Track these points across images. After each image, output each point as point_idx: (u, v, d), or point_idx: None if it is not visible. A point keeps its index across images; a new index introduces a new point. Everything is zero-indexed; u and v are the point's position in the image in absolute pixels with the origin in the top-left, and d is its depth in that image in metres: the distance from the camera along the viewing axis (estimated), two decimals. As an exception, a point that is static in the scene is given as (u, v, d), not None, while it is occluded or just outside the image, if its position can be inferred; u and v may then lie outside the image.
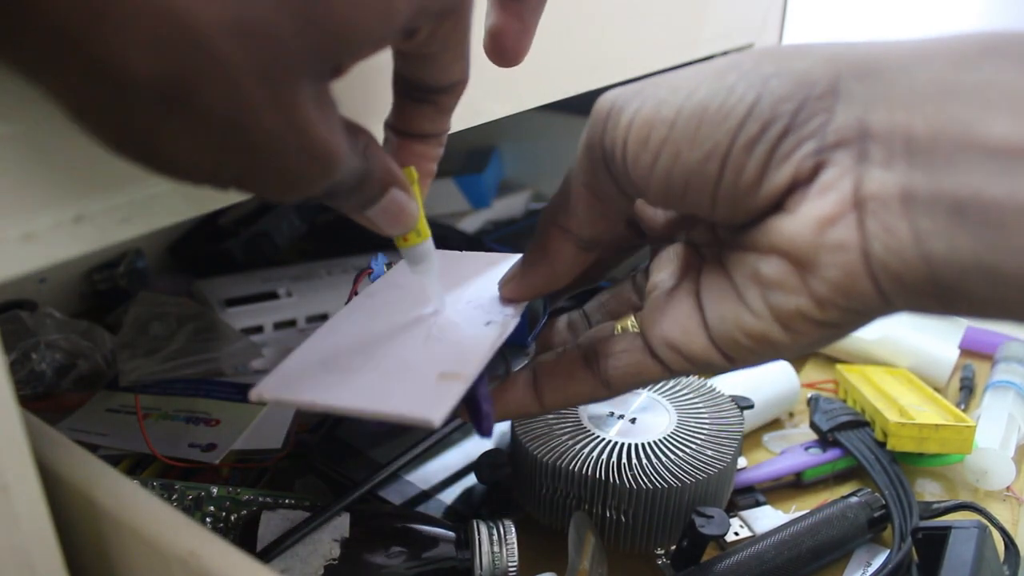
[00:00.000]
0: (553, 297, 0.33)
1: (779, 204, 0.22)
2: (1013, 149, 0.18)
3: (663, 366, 0.26)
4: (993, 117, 0.18)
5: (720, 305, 0.24)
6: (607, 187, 0.25)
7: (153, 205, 0.24)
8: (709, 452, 0.39)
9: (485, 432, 0.27)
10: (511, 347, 0.30)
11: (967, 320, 0.58)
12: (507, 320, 0.28)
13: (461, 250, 0.36)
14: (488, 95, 0.36)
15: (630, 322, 0.29)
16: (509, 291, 0.30)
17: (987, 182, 0.18)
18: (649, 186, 0.24)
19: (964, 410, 0.52)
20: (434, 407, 0.23)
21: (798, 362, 0.58)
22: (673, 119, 0.23)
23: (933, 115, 0.19)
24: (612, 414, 0.42)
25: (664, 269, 0.29)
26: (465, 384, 0.25)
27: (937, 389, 0.54)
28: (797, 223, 0.22)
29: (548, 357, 0.30)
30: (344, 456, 0.43)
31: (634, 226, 0.31)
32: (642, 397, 0.44)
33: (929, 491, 0.47)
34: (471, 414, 0.27)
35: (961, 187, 0.19)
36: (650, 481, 0.37)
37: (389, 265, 0.35)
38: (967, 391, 0.55)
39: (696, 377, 0.46)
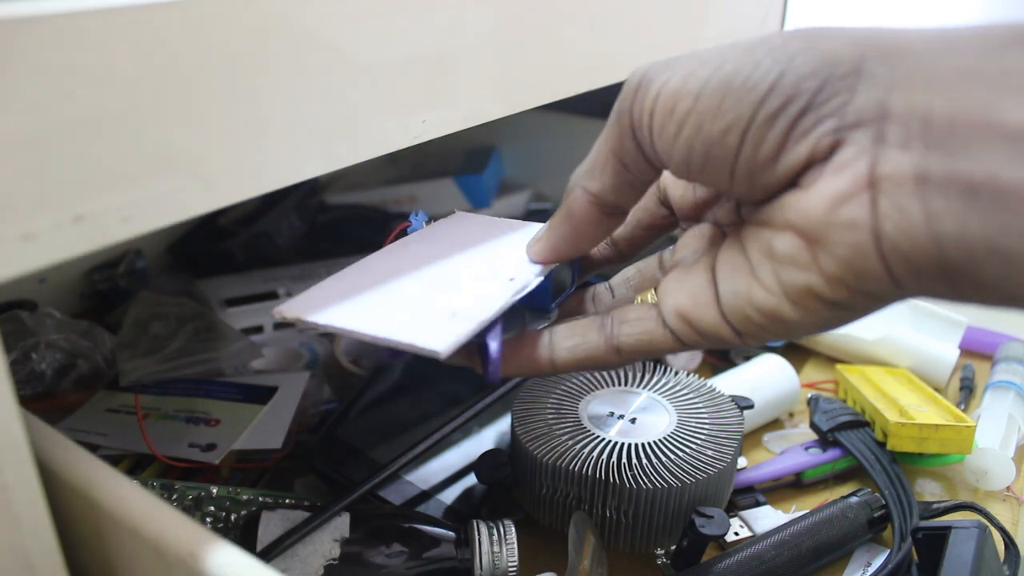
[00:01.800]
0: (583, 269, 0.34)
1: (795, 181, 0.23)
2: None
3: (674, 337, 0.27)
4: (1013, 102, 0.19)
5: (733, 279, 0.25)
6: (633, 155, 0.26)
7: (153, 205, 0.24)
8: (709, 452, 0.39)
9: (491, 377, 0.28)
10: (533, 309, 0.31)
11: (967, 320, 0.58)
12: (529, 279, 0.29)
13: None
14: (488, 95, 0.36)
15: (650, 295, 0.29)
16: (535, 252, 0.30)
17: (1003, 166, 0.18)
18: (672, 157, 0.25)
19: (964, 410, 0.52)
20: (441, 339, 0.25)
21: (798, 362, 0.58)
22: (699, 91, 0.23)
23: (953, 98, 0.19)
24: (612, 414, 0.42)
25: (689, 247, 0.30)
26: (474, 324, 0.26)
27: (937, 389, 0.54)
28: (811, 199, 0.22)
29: (567, 321, 0.31)
30: (344, 456, 0.43)
31: (665, 205, 0.32)
32: (642, 397, 0.44)
33: (929, 491, 0.47)
34: (480, 358, 0.28)
35: (976, 170, 0.19)
36: (650, 481, 0.37)
37: (428, 221, 0.36)
38: (967, 391, 0.55)
39: (696, 377, 0.46)
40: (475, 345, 0.27)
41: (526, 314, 0.31)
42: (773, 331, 0.25)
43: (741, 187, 0.24)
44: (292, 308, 0.28)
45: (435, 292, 0.29)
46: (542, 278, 0.30)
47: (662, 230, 0.33)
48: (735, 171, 0.23)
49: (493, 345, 0.27)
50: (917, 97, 0.20)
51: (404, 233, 0.35)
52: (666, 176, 0.32)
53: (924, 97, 0.20)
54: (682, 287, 0.27)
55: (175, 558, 0.23)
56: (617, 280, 0.34)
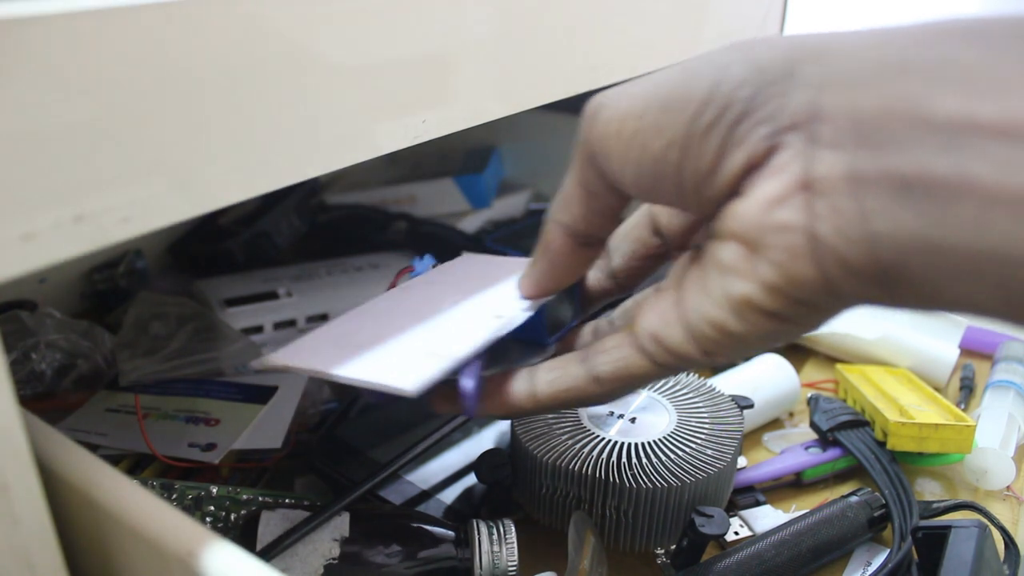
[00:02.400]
0: (585, 303, 0.34)
1: (737, 189, 0.22)
2: (959, 124, 0.18)
3: (650, 361, 0.27)
4: (942, 93, 0.18)
5: (692, 296, 0.25)
6: (597, 183, 0.26)
7: (153, 205, 0.24)
8: (709, 451, 0.39)
9: (468, 413, 0.28)
10: (529, 344, 0.31)
11: (965, 319, 0.58)
12: (516, 315, 0.29)
13: (461, 251, 0.36)
14: (488, 95, 0.36)
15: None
16: (521, 288, 0.31)
17: (933, 158, 0.18)
18: (625, 178, 0.25)
19: (964, 410, 0.53)
20: (411, 378, 0.25)
21: (798, 362, 0.58)
22: (642, 111, 0.23)
23: (882, 93, 0.19)
24: (612, 413, 0.42)
25: (674, 273, 0.29)
26: (448, 363, 0.26)
27: (937, 389, 0.54)
28: (747, 204, 0.22)
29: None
30: (344, 456, 0.43)
31: (658, 234, 0.32)
32: (642, 397, 0.44)
33: (929, 491, 0.47)
34: (458, 394, 0.28)
35: (907, 164, 0.19)
36: (650, 480, 0.37)
37: (435, 265, 0.36)
38: (967, 391, 0.55)
39: (696, 377, 0.46)
40: (451, 380, 0.27)
41: (514, 349, 0.31)
42: (727, 346, 0.24)
43: (691, 202, 0.24)
44: (279, 356, 0.28)
45: (422, 333, 0.29)
46: (530, 313, 0.30)
47: (658, 259, 0.33)
48: (682, 186, 0.23)
49: (467, 383, 0.27)
50: (847, 95, 0.20)
51: (408, 278, 0.35)
52: (656, 205, 0.32)
53: (854, 94, 0.20)
54: (654, 309, 0.26)
55: (175, 558, 0.23)
56: (617, 313, 0.34)
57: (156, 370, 0.47)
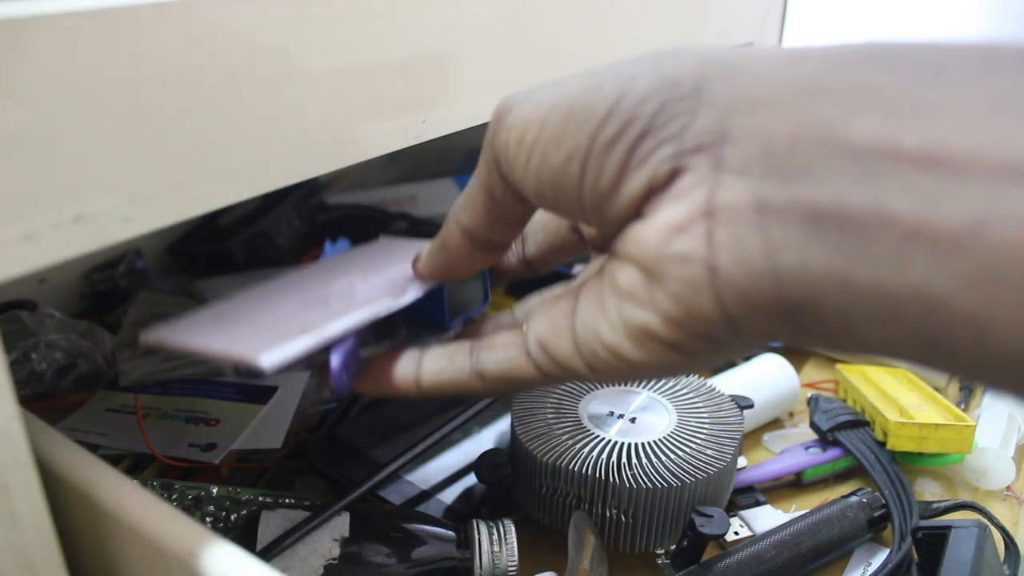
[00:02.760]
0: (493, 282, 0.33)
1: (639, 211, 0.21)
2: (879, 152, 0.16)
3: (535, 366, 0.25)
4: (861, 118, 0.17)
5: (587, 311, 0.23)
6: (500, 188, 0.25)
7: (153, 205, 0.24)
8: (709, 452, 0.39)
9: (335, 391, 0.27)
10: (429, 325, 0.30)
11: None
12: (404, 297, 0.28)
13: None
14: (487, 96, 0.36)
15: None
16: (416, 268, 0.29)
17: (849, 188, 0.17)
18: (526, 187, 0.24)
19: (964, 410, 0.52)
20: (269, 354, 0.24)
21: (798, 362, 0.58)
22: (544, 118, 0.22)
23: (796, 116, 0.18)
24: (612, 413, 0.42)
25: (584, 275, 0.28)
26: (314, 339, 0.25)
27: (937, 389, 0.54)
28: (648, 230, 0.20)
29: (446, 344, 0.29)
30: (344, 456, 0.43)
31: (577, 231, 0.31)
32: (642, 397, 0.44)
33: (929, 491, 0.47)
34: (331, 374, 0.27)
35: (819, 195, 0.17)
36: (650, 481, 0.37)
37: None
38: (967, 391, 0.55)
39: (696, 377, 0.46)
40: (323, 359, 0.26)
41: (413, 330, 0.30)
42: (619, 369, 0.23)
43: (592, 219, 0.22)
44: (155, 333, 0.27)
45: (304, 311, 0.28)
46: (417, 295, 0.29)
47: (572, 254, 0.32)
48: (583, 202, 0.22)
49: (334, 359, 0.26)
50: (758, 117, 0.18)
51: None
52: None
53: (765, 116, 0.18)
54: (547, 313, 0.25)
55: (175, 558, 0.23)
56: (519, 310, 0.32)
57: (156, 370, 0.47)
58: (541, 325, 0.25)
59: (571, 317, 0.24)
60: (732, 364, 0.55)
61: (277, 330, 0.26)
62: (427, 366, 0.28)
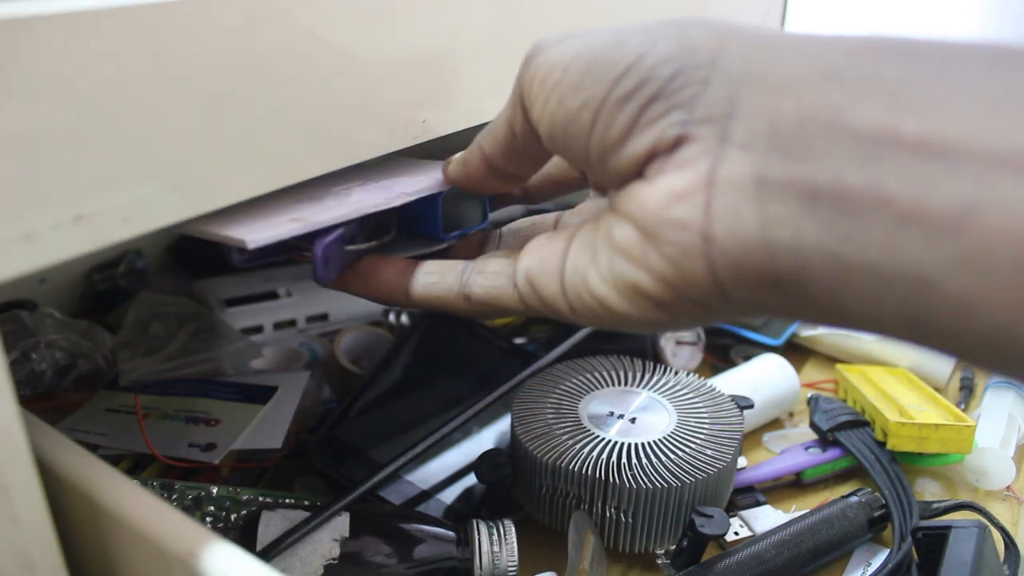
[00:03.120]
0: (493, 206, 0.34)
1: (641, 171, 0.22)
2: (880, 137, 0.17)
3: (520, 298, 0.26)
4: (865, 104, 0.18)
5: (578, 256, 0.24)
6: (522, 125, 0.26)
7: (153, 205, 0.24)
8: (709, 452, 0.39)
9: (318, 277, 0.28)
10: (425, 238, 0.32)
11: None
12: (398, 196, 0.30)
13: None
14: (488, 94, 0.36)
15: None
16: (446, 169, 0.31)
17: (847, 169, 0.17)
18: (541, 128, 0.25)
19: (964, 410, 0.53)
20: (256, 235, 0.26)
21: (798, 362, 0.58)
22: (567, 64, 0.23)
23: (805, 99, 0.19)
24: (612, 414, 0.42)
25: (579, 215, 0.30)
26: (301, 226, 0.27)
27: (937, 389, 0.54)
28: (649, 193, 0.21)
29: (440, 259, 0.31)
30: (344, 456, 0.43)
31: (581, 171, 0.32)
32: (642, 397, 0.44)
33: (929, 491, 0.47)
34: (315, 258, 0.28)
35: (818, 173, 0.18)
36: (650, 481, 0.37)
37: None
38: (967, 391, 0.55)
39: (696, 377, 0.46)
40: (312, 246, 0.28)
41: (407, 238, 0.32)
42: (603, 318, 0.24)
43: (596, 169, 0.23)
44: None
45: (298, 205, 0.29)
46: (410, 199, 0.30)
47: (571, 188, 0.33)
48: (588, 151, 0.23)
49: (318, 245, 0.27)
50: (768, 96, 0.19)
51: None
52: None
53: (775, 97, 0.19)
54: (540, 251, 0.26)
55: (175, 558, 0.23)
56: (509, 229, 0.34)
57: (156, 370, 0.47)
58: (532, 261, 0.26)
59: (562, 259, 0.25)
60: (732, 364, 0.55)
61: (269, 219, 0.28)
62: (418, 278, 0.29)
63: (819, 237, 0.18)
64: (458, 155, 0.30)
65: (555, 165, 0.33)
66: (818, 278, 0.18)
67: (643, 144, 0.21)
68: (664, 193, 0.21)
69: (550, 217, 0.33)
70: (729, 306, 0.21)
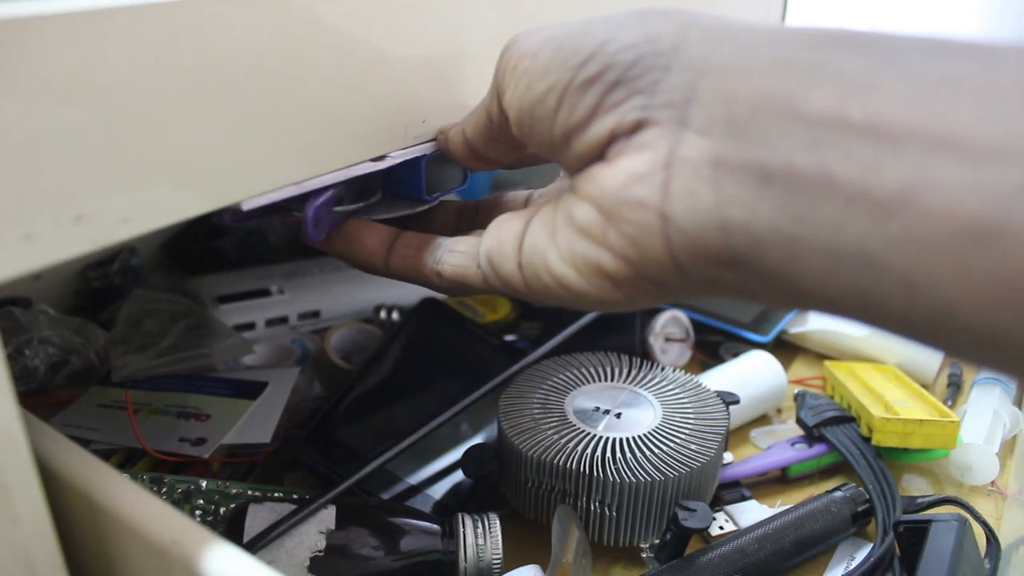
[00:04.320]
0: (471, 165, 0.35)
1: (602, 154, 0.23)
2: (829, 122, 0.18)
3: (483, 278, 0.27)
4: (817, 91, 0.18)
5: (537, 235, 0.25)
6: (496, 113, 0.27)
7: (154, 204, 0.24)
8: (693, 446, 0.40)
9: (307, 236, 0.30)
10: (409, 200, 0.34)
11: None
12: (383, 161, 0.31)
13: None
14: (483, 93, 0.36)
15: None
16: (438, 135, 0.33)
17: (798, 152, 0.18)
18: (511, 113, 0.26)
19: (951, 406, 0.53)
20: (250, 198, 0.27)
21: (787, 359, 0.59)
22: (536, 51, 0.24)
23: (760, 86, 0.19)
24: (598, 409, 0.43)
25: (547, 196, 0.31)
26: (293, 188, 0.28)
27: (925, 386, 0.55)
28: (610, 174, 0.22)
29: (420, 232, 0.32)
30: (332, 451, 0.43)
31: None
32: (628, 392, 0.44)
33: (916, 486, 0.47)
34: (305, 219, 0.29)
35: (771, 156, 0.19)
36: (634, 475, 0.38)
37: None
38: (954, 387, 0.55)
39: (682, 373, 0.46)
40: (302, 206, 0.30)
41: (392, 199, 0.34)
42: (560, 296, 0.25)
43: (560, 153, 0.24)
44: None
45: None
46: (394, 162, 0.31)
47: (547, 161, 0.34)
48: (553, 135, 0.24)
49: (308, 207, 0.29)
50: (725, 83, 0.20)
51: None
52: None
53: (732, 84, 0.20)
54: (499, 230, 0.27)
55: (175, 558, 0.22)
56: (484, 202, 0.35)
57: (148, 366, 0.47)
58: (491, 241, 0.27)
59: (520, 238, 0.26)
60: (722, 361, 0.56)
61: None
62: (397, 251, 0.30)
63: (772, 217, 0.19)
64: (450, 130, 0.32)
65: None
66: (771, 256, 0.19)
67: (605, 127, 0.22)
68: (624, 174, 0.22)
69: (522, 194, 0.34)
70: (686, 284, 0.22)
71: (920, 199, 0.16)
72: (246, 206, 0.27)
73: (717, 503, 0.44)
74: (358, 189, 0.32)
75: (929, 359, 0.56)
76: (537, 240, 0.25)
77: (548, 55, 0.24)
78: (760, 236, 0.19)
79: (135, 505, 0.24)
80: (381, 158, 0.31)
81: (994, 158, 0.15)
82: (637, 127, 0.22)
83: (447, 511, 0.41)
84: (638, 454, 0.39)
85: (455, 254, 0.29)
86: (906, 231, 0.16)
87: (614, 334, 0.53)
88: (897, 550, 0.39)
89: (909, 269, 0.17)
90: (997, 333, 0.16)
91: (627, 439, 0.40)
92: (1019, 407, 0.51)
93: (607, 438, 0.40)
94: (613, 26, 0.23)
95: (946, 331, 0.17)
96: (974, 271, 0.16)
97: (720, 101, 0.20)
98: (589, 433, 0.40)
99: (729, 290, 0.22)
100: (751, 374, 0.52)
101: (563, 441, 0.40)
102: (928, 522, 0.38)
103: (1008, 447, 0.50)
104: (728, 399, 0.45)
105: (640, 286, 0.23)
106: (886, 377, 0.53)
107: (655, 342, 0.55)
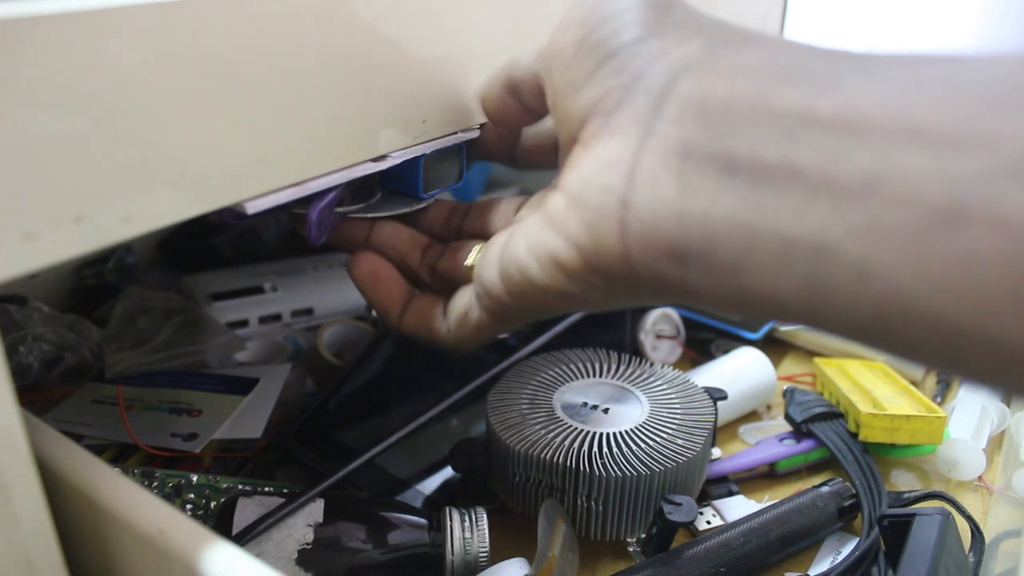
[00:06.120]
0: (470, 157, 0.37)
1: (583, 121, 0.24)
2: (798, 115, 0.18)
3: (479, 305, 0.29)
4: (789, 88, 0.19)
5: (514, 236, 0.26)
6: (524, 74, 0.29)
7: (155, 204, 0.24)
8: (680, 441, 0.40)
9: (309, 237, 0.31)
10: (406, 197, 0.35)
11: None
12: (383, 162, 0.32)
13: None
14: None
15: (475, 250, 0.32)
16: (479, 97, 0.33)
17: (765, 144, 0.19)
18: (540, 66, 0.27)
19: (940, 403, 0.53)
20: (255, 201, 0.27)
21: (777, 356, 0.59)
22: (572, 8, 0.25)
23: (737, 83, 0.20)
24: (586, 404, 0.43)
25: (535, 204, 0.32)
26: (297, 191, 0.28)
27: (914, 382, 0.55)
28: (584, 159, 0.23)
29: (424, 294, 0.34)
30: (323, 445, 0.44)
31: None
32: (616, 388, 0.44)
33: (903, 481, 0.48)
34: (309, 222, 0.31)
35: (738, 147, 0.19)
36: (621, 469, 0.38)
37: None
38: (944, 384, 0.56)
39: (671, 369, 0.46)
40: (305, 210, 0.31)
41: (391, 197, 0.35)
42: (529, 293, 0.25)
43: (557, 110, 0.25)
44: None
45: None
46: (394, 162, 0.32)
47: (554, 163, 0.34)
48: (559, 85, 0.25)
49: (311, 210, 0.30)
50: (704, 81, 0.21)
51: None
52: None
53: (710, 80, 0.21)
54: (487, 246, 0.28)
55: (174, 557, 0.23)
56: (476, 204, 0.36)
57: (142, 363, 0.47)
58: (479, 259, 0.28)
59: (502, 248, 0.27)
60: (712, 358, 0.56)
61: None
62: (382, 239, 0.34)
63: (731, 207, 0.19)
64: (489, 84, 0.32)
65: (543, 131, 0.35)
66: (723, 248, 0.20)
67: (592, 94, 0.23)
68: (597, 160, 0.22)
69: (515, 200, 0.35)
70: (633, 281, 0.22)
71: (885, 186, 0.17)
72: (251, 209, 0.27)
73: (705, 498, 0.44)
74: (356, 186, 0.33)
75: (918, 356, 0.56)
76: (514, 239, 0.26)
77: (580, 13, 0.25)
78: (716, 227, 0.20)
79: (136, 505, 0.24)
80: (382, 158, 0.31)
81: (959, 145, 0.16)
82: (615, 106, 0.22)
83: (438, 506, 0.42)
84: (624, 449, 0.39)
85: (457, 297, 0.30)
86: (868, 218, 0.17)
87: (605, 331, 0.54)
88: (882, 544, 0.40)
89: (865, 255, 0.17)
90: (951, 320, 0.16)
91: (614, 434, 0.40)
92: (1007, 404, 0.51)
93: (594, 433, 0.40)
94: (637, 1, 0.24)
95: (896, 322, 0.17)
96: (934, 256, 0.16)
97: (696, 96, 0.21)
98: (576, 428, 0.41)
99: (673, 292, 0.22)
100: (741, 371, 0.52)
101: (550, 436, 0.40)
102: (912, 516, 0.38)
103: (995, 443, 0.50)
104: (716, 395, 0.45)
105: (589, 279, 0.23)
106: (875, 374, 0.53)
107: (646, 339, 0.55)
